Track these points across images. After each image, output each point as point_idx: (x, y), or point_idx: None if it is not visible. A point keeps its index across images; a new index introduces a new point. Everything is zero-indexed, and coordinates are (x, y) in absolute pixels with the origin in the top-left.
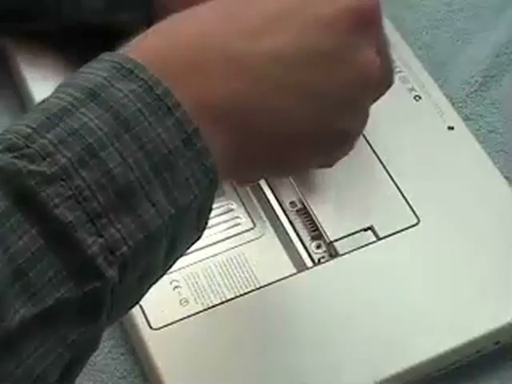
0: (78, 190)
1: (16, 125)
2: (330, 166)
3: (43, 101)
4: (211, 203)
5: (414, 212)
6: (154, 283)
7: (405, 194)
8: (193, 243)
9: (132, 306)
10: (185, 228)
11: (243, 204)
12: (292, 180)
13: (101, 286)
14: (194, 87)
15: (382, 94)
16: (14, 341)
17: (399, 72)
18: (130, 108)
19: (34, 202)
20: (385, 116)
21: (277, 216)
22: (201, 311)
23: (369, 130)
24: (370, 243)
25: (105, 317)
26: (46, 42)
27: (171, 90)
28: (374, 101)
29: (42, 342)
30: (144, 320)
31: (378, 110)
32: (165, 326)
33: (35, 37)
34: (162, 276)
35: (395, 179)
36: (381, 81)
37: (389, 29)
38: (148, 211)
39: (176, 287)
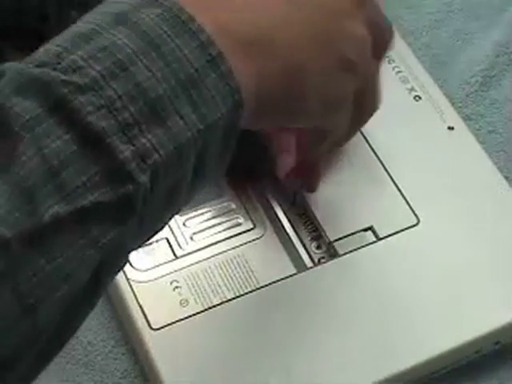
0: (109, 101)
1: (46, 45)
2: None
3: (72, 26)
4: (237, 130)
5: (413, 212)
6: (178, 210)
7: (405, 194)
8: (215, 176)
9: (162, 225)
10: (212, 147)
11: (243, 204)
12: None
13: (133, 190)
14: (216, 15)
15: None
16: (46, 235)
17: (399, 72)
18: (157, 30)
19: (68, 109)
20: (385, 116)
21: (277, 216)
22: (201, 311)
23: (369, 129)
24: (370, 243)
25: (136, 224)
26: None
27: (195, 16)
28: (378, 57)
29: (74, 240)
30: (144, 320)
31: (379, 110)
32: (165, 326)
33: (33, 37)
34: (185, 204)
35: (395, 179)
36: (383, 31)
37: None
38: (177, 123)
39: (176, 287)
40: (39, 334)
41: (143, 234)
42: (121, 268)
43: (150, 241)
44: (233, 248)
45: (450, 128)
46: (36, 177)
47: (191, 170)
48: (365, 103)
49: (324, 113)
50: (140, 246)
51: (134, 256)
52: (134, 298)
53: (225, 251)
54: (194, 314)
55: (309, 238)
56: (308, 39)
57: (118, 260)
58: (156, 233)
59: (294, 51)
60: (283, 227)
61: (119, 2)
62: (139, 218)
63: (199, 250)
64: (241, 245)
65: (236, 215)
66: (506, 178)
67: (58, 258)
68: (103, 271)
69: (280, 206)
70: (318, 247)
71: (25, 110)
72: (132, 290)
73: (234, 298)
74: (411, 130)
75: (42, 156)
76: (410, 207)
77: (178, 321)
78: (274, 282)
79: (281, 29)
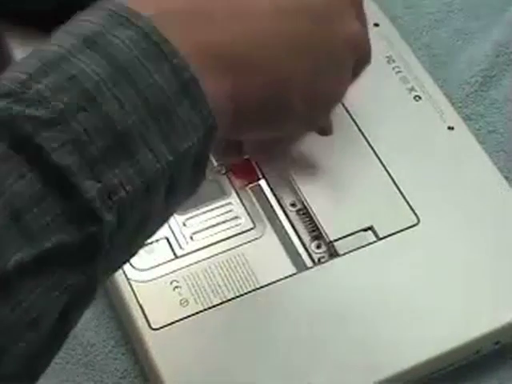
0: (75, 135)
1: (11, 71)
2: (313, 127)
3: (38, 49)
4: (208, 154)
5: (413, 212)
6: (150, 235)
7: (405, 194)
8: (189, 196)
9: (130, 257)
10: (182, 177)
11: (243, 204)
12: (292, 180)
13: (99, 230)
14: (193, 33)
15: (364, 62)
16: (10, 282)
17: (399, 72)
18: (127, 54)
19: (31, 146)
20: (385, 116)
21: (277, 216)
22: (201, 311)
23: (369, 129)
24: (370, 243)
25: (102, 262)
26: (37, 23)
27: (168, 36)
28: (356, 73)
29: (38, 284)
30: (144, 320)
31: (379, 110)
32: (165, 325)
33: (26, 19)
34: (158, 228)
35: (395, 179)
36: (364, 48)
37: (389, 29)
38: (146, 156)
39: (176, 287)
40: (11, 375)
41: (112, 267)
42: (89, 303)
43: (150, 240)
44: (233, 248)
45: (450, 128)
46: (0, 223)
47: (162, 199)
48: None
49: (312, 117)
50: (109, 276)
51: None
52: (134, 297)
53: (225, 251)
54: (194, 314)
55: (309, 238)
56: (293, 50)
57: (85, 298)
58: (129, 258)
59: (276, 65)
60: (283, 227)
61: (91, 22)
62: (106, 254)
63: (199, 249)
64: (241, 245)
65: (236, 215)
66: (506, 178)
67: (22, 304)
68: (70, 311)
69: (280, 205)
70: (318, 247)
71: None
72: (132, 289)
73: (233, 298)
74: (411, 129)
75: (5, 200)
76: (410, 207)
77: (177, 321)
78: (273, 282)
79: (262, 44)
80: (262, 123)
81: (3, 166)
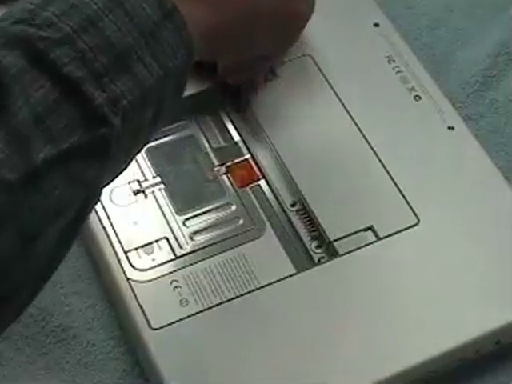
0: (81, 53)
1: (18, 5)
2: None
3: None
4: (187, 73)
5: (414, 212)
6: (145, 141)
7: (405, 194)
8: (171, 112)
9: (129, 161)
10: (167, 92)
11: (243, 204)
12: (292, 180)
13: (108, 131)
14: None
15: None
16: (41, 175)
17: (399, 72)
18: None
19: (46, 61)
20: (385, 116)
21: (277, 216)
22: (201, 311)
23: (369, 129)
24: (370, 243)
25: (111, 160)
26: None
27: None
28: None
29: (63, 177)
30: (144, 320)
31: (378, 110)
32: (165, 325)
33: None
34: (142, 146)
35: (395, 179)
36: None
37: (389, 29)
38: (141, 71)
39: (176, 287)
40: (35, 270)
41: (115, 170)
42: (95, 204)
43: (150, 240)
44: (233, 248)
45: (450, 128)
46: (27, 124)
47: (152, 112)
48: None
49: (284, 39)
50: (111, 182)
51: (134, 256)
52: (134, 297)
53: (225, 251)
54: (194, 314)
55: (309, 238)
56: None
57: (96, 196)
58: (123, 170)
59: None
60: (283, 227)
61: None
62: (113, 154)
63: (199, 249)
64: (241, 245)
65: (236, 215)
66: (506, 178)
67: (52, 194)
68: (83, 211)
69: (280, 205)
70: (318, 247)
71: (11, 63)
72: (132, 289)
73: (233, 298)
74: (411, 130)
75: (30, 105)
76: (410, 207)
77: (177, 321)
78: (274, 282)
79: None
80: (234, 47)
81: (26, 76)
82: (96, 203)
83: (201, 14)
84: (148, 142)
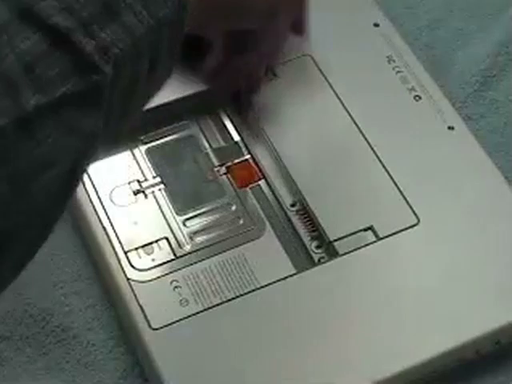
0: (68, 3)
1: None
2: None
3: None
4: (182, 27)
5: (414, 212)
6: (137, 108)
7: (405, 194)
8: (169, 67)
9: (127, 122)
10: (163, 43)
11: (243, 204)
12: (292, 180)
13: (100, 79)
14: None
15: None
16: (32, 121)
17: (399, 72)
18: None
19: (33, 12)
20: (385, 116)
21: (277, 216)
22: (201, 311)
23: (369, 129)
24: (370, 243)
25: (106, 113)
26: None
27: None
28: None
29: (55, 128)
30: (144, 320)
31: (378, 109)
32: (165, 325)
33: None
34: (143, 105)
35: (395, 179)
36: None
37: (389, 29)
38: (131, 19)
39: (176, 287)
40: (30, 218)
41: (112, 128)
42: (91, 162)
43: (150, 240)
44: (233, 248)
45: (450, 128)
46: (15, 71)
47: (147, 64)
48: None
49: (269, 13)
50: (109, 143)
51: (134, 256)
52: (134, 297)
53: (225, 251)
54: (194, 314)
55: (309, 238)
56: None
57: (92, 151)
58: (124, 128)
59: None
60: (283, 227)
61: None
62: (108, 106)
63: (199, 249)
64: (241, 245)
65: (236, 215)
66: (506, 177)
67: (44, 143)
68: (79, 163)
69: (280, 205)
70: (318, 247)
71: None
72: (132, 289)
73: (233, 298)
74: (411, 129)
75: (17, 54)
76: (410, 207)
77: (177, 321)
78: (274, 282)
79: None
80: (223, 15)
81: (13, 30)
82: (89, 164)
83: None
84: (148, 100)
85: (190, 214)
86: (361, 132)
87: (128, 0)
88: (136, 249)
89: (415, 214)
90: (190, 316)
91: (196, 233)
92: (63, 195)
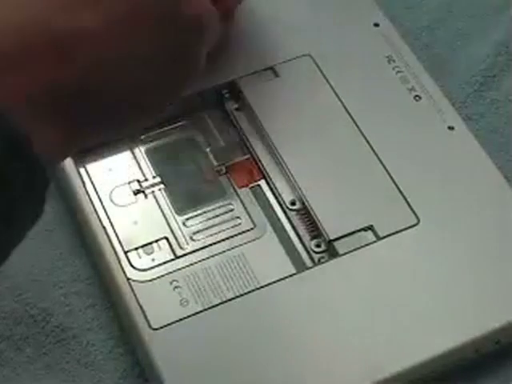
0: None
1: None
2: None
3: None
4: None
5: (414, 212)
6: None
7: (405, 194)
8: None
9: None
10: None
11: (243, 204)
12: (292, 179)
13: None
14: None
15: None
16: None
17: (399, 72)
18: None
19: None
20: (385, 116)
21: (277, 216)
22: (201, 311)
23: (369, 129)
24: (370, 243)
25: None
26: None
27: None
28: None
29: None
30: (144, 320)
31: (378, 109)
32: (165, 325)
33: None
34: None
35: (395, 179)
36: (215, 27)
37: (389, 29)
38: None
39: (176, 287)
40: None
41: None
42: None
43: (150, 240)
44: (233, 248)
45: (450, 128)
46: None
47: None
48: None
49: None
50: None
51: (134, 256)
52: (134, 297)
53: (225, 251)
54: (194, 314)
55: (309, 238)
56: (134, 72)
57: None
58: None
59: (114, 96)
60: (283, 227)
61: None
62: None
63: (199, 249)
64: (241, 245)
65: (236, 215)
66: (506, 177)
67: None
68: None
69: (280, 205)
70: (318, 247)
71: None
72: (132, 289)
73: (233, 298)
74: (411, 130)
75: None
76: (410, 207)
77: (177, 321)
78: (274, 282)
79: (98, 78)
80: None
81: None
82: None
83: (53, 128)
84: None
85: (190, 214)
86: (361, 132)
87: None
88: (136, 249)
89: (415, 214)
90: (190, 316)
91: (196, 233)
92: None
